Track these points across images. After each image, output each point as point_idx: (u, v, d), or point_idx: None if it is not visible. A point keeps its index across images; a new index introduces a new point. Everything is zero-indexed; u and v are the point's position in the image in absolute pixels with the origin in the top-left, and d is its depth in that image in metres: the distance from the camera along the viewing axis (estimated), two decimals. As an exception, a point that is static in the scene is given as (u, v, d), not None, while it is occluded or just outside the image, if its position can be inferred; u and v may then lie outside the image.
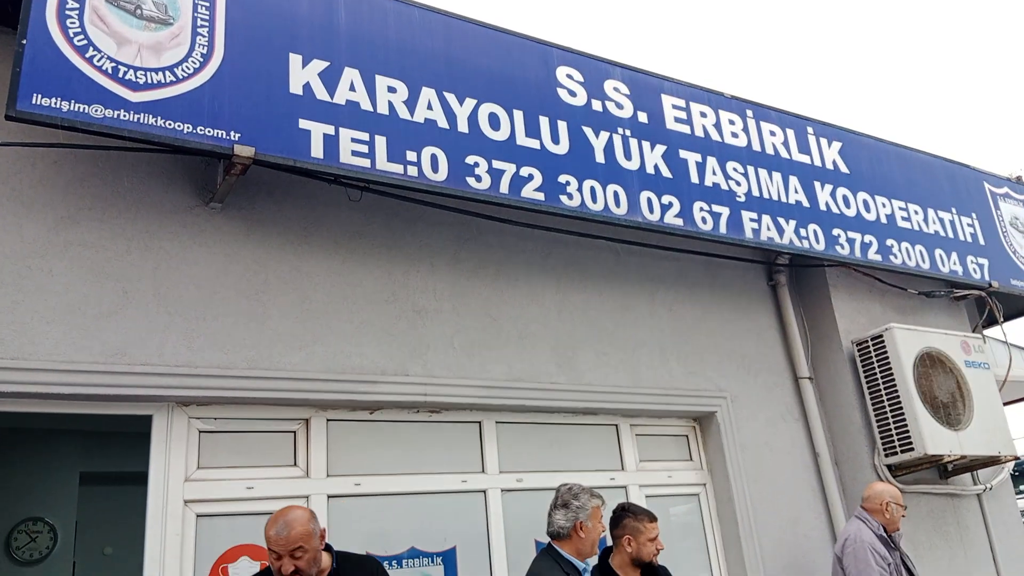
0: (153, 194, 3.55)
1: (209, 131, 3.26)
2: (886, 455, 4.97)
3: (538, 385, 4.26)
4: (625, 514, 3.65)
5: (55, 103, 2.97)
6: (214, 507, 3.26)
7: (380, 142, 3.66)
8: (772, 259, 5.42)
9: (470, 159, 3.88)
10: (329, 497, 3.61)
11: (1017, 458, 5.33)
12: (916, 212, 5.75)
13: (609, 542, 3.76)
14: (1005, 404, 5.65)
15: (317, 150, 3.48)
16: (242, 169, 3.37)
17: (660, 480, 4.70)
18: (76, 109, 3.00)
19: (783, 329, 5.43)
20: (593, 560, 3.55)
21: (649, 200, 4.42)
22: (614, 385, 4.53)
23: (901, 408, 4.88)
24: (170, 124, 3.18)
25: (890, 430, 4.94)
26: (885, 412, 4.98)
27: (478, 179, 3.87)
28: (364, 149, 3.60)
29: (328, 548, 2.93)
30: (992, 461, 5.19)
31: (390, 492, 3.80)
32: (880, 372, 5.04)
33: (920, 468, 5.05)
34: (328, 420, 3.76)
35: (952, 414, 4.99)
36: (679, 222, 4.50)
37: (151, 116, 3.15)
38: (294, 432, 3.69)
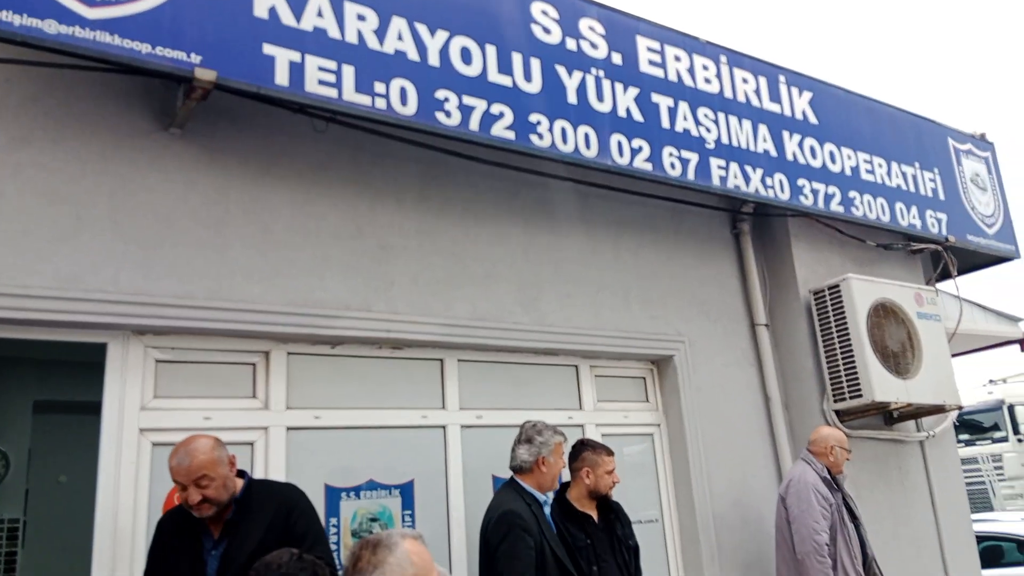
0: (109, 116, 3.43)
1: (169, 52, 3.13)
2: (835, 401, 5.12)
3: (501, 325, 4.28)
4: (584, 448, 3.82)
5: (6, 17, 2.82)
6: (170, 436, 3.24)
7: (348, 72, 3.55)
8: (737, 207, 5.46)
9: (440, 94, 3.80)
10: (288, 429, 3.62)
11: (961, 408, 5.53)
12: (880, 165, 5.80)
13: (567, 476, 3.87)
14: (952, 356, 5.84)
15: (282, 77, 3.37)
16: (203, 94, 3.26)
17: (616, 420, 4.80)
18: (29, 24, 2.85)
19: (743, 277, 5.51)
20: (552, 494, 3.66)
21: (619, 143, 4.39)
22: (576, 327, 4.57)
23: (853, 356, 5.02)
24: (128, 43, 3.04)
25: (840, 377, 5.09)
26: (837, 360, 5.12)
27: (448, 115, 3.80)
28: (331, 78, 3.50)
29: (242, 475, 2.90)
30: (937, 409, 5.39)
31: (350, 426, 3.82)
32: (835, 321, 5.16)
33: (867, 414, 5.23)
34: (289, 353, 3.74)
35: (901, 363, 5.14)
36: (648, 167, 4.48)
37: (108, 34, 3.01)
38: (253, 364, 3.67)
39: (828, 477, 4.45)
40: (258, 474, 3.48)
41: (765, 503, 5.08)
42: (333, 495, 3.70)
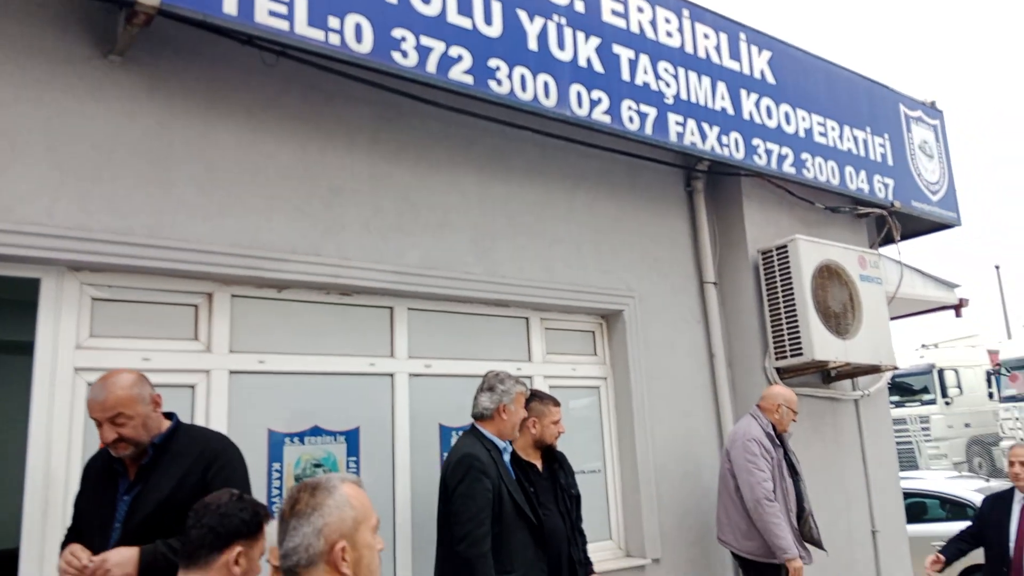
0: (46, 40, 3.23)
1: (107, -27, 2.95)
2: (777, 359, 5.24)
3: (453, 274, 4.24)
4: (531, 398, 3.86)
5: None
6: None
7: (300, 4, 3.40)
8: (692, 165, 5.47)
9: (397, 32, 3.67)
10: (231, 373, 3.54)
11: (896, 368, 5.71)
12: (833, 128, 5.86)
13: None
14: (891, 319, 6.01)
15: (230, 6, 3.21)
16: (145, 19, 3.08)
17: (564, 372, 4.83)
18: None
19: (695, 235, 5.55)
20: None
21: (579, 94, 4.33)
22: (528, 279, 4.56)
23: (796, 315, 5.13)
24: (62, -40, 2.85)
25: (783, 335, 5.20)
26: (781, 319, 5.23)
27: (404, 55, 3.68)
28: (282, 10, 3.35)
29: (171, 417, 2.72)
30: (873, 369, 5.56)
31: (295, 371, 3.76)
32: (780, 281, 5.25)
33: (806, 372, 5.36)
34: (233, 296, 3.64)
35: (842, 323, 5.27)
36: (607, 119, 4.44)
37: (39, -52, 2.82)
38: (196, 306, 3.57)
39: (772, 433, 4.57)
40: (199, 419, 3.42)
41: (705, 455, 5.21)
42: (276, 440, 3.65)
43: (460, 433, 4.26)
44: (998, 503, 4.48)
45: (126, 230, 3.28)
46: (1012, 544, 4.30)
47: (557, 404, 3.91)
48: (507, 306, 4.61)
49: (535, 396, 3.91)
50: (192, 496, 2.33)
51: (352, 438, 3.90)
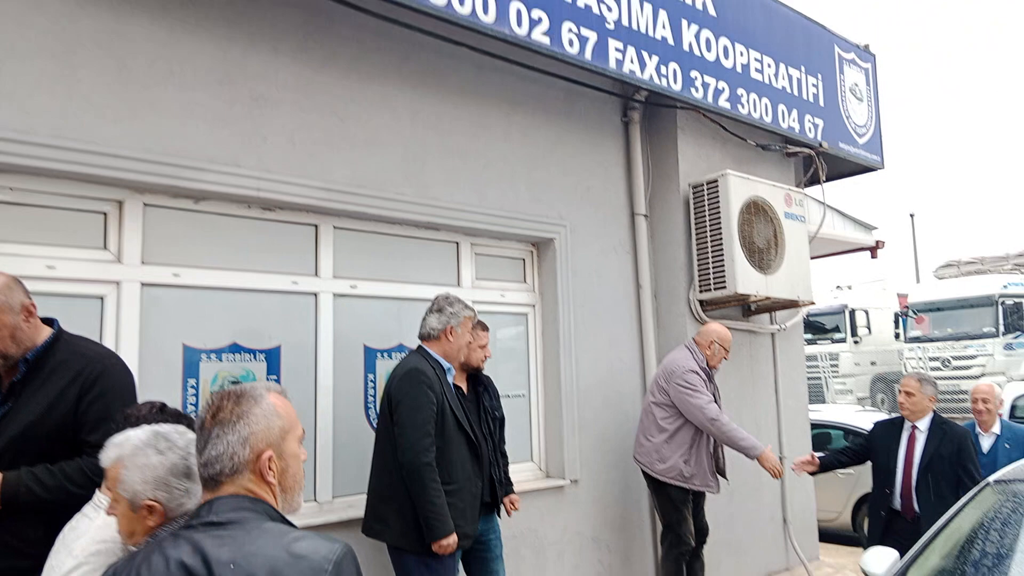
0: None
1: None
2: (701, 291, 5.35)
3: (382, 194, 4.12)
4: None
5: None
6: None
7: None
8: (629, 94, 5.42)
9: (326, -69, 3.45)
10: (143, 285, 3.39)
11: (813, 304, 5.90)
12: (769, 65, 5.87)
13: None
14: (810, 259, 6.18)
15: None
16: None
17: (493, 298, 4.82)
18: None
19: (628, 166, 5.54)
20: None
21: (519, 12, 4.19)
22: (460, 203, 4.48)
23: (722, 249, 5.22)
24: None
25: (708, 269, 5.29)
26: (707, 252, 5.31)
27: (334, -44, 3.47)
28: None
29: (52, 324, 2.49)
30: (791, 304, 5.74)
31: (213, 286, 3.62)
32: (709, 215, 5.31)
33: (728, 305, 5.50)
34: (145, 204, 3.46)
35: (765, 259, 5.39)
36: (546, 40, 4.32)
37: None
38: (105, 213, 3.37)
39: (705, 368, 4.69)
40: (108, 331, 3.27)
41: (628, 383, 5.32)
42: (192, 356, 3.54)
43: (384, 355, 4.26)
44: (888, 429, 4.67)
45: (28, 128, 3.04)
46: (900, 469, 4.51)
47: (485, 329, 3.94)
48: (437, 229, 4.53)
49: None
50: (63, 423, 2.20)
51: (273, 357, 3.82)
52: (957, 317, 16.93)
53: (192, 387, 3.52)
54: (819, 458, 4.80)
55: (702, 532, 4.81)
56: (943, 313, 17.22)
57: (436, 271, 4.57)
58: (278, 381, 3.82)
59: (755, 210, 5.40)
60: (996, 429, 5.15)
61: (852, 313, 18.60)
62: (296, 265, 3.94)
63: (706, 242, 5.33)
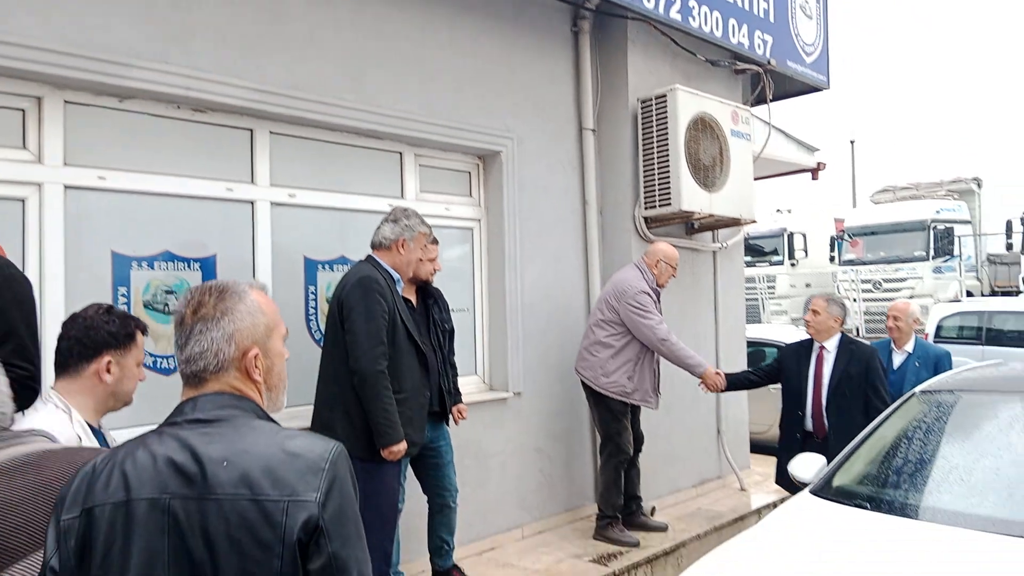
0: None
1: None
2: (646, 208, 5.35)
3: (322, 98, 3.95)
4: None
5: None
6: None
7: None
8: (580, 2, 5.26)
9: None
10: (67, 188, 3.20)
11: (755, 222, 5.98)
12: (721, -23, 5.76)
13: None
14: (756, 179, 6.22)
15: None
16: None
17: (438, 212, 4.73)
18: None
19: (578, 78, 5.43)
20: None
21: (463, -94, 3.98)
22: (405, 111, 4.33)
23: (668, 166, 5.20)
24: None
25: (654, 185, 5.29)
26: (653, 168, 5.29)
27: None
28: None
29: None
30: (733, 223, 5.80)
31: (143, 191, 3.45)
32: (657, 130, 5.27)
33: (672, 223, 5.53)
34: (67, 102, 3.24)
35: (710, 177, 5.41)
36: (492, -61, 4.13)
37: None
38: (23, 110, 3.15)
39: (654, 287, 4.73)
40: (31, 236, 3.11)
41: (572, 298, 5.36)
42: (122, 263, 3.40)
43: (326, 267, 4.18)
44: (798, 351, 4.67)
45: (-72, 13, 2.80)
46: (810, 390, 4.55)
47: (435, 243, 3.89)
48: (380, 138, 4.39)
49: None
50: None
51: (208, 266, 3.69)
52: (890, 241, 17.47)
53: (123, 296, 3.39)
54: (727, 376, 4.87)
55: (638, 441, 4.96)
56: (877, 237, 17.75)
57: (379, 182, 4.45)
58: (215, 291, 3.71)
59: (702, 127, 5.38)
60: (909, 347, 5.17)
61: (790, 236, 19.05)
62: (231, 171, 3.78)
63: (653, 158, 5.30)
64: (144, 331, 2.10)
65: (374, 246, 3.59)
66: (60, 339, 1.99)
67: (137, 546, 1.23)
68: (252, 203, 3.85)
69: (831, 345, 4.55)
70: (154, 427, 1.37)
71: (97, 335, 1.97)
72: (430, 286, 3.95)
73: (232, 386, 1.37)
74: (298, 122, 3.97)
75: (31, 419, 1.85)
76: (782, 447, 4.71)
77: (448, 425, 4.01)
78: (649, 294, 4.68)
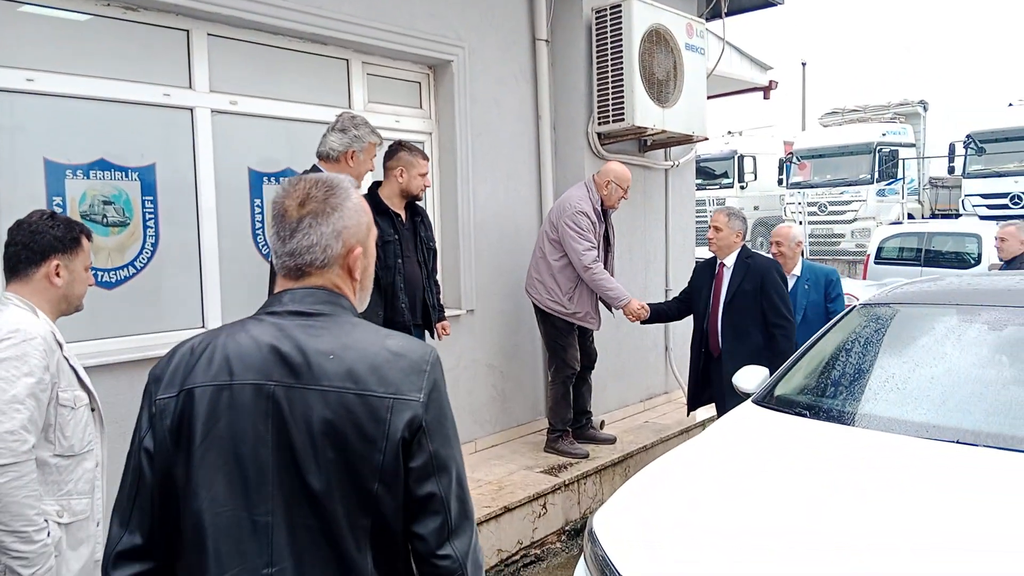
0: None
1: None
2: (599, 123, 5.29)
3: (261, -1, 3.75)
4: (401, 148, 3.81)
5: None
6: None
7: None
8: (533, -95, 5.05)
9: None
10: (-8, 90, 3.02)
11: (707, 139, 5.97)
12: None
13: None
14: (708, 98, 6.17)
15: None
16: None
17: (387, 124, 4.60)
18: None
19: (530, -15, 5.26)
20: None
21: None
22: (349, 14, 4.15)
23: (622, 80, 5.12)
24: None
25: (608, 100, 5.21)
26: (607, 82, 5.21)
27: None
28: None
29: None
30: (685, 140, 5.78)
31: (72, 94, 3.27)
32: (611, 42, 5.17)
33: (625, 139, 5.49)
34: (-14, -4, 3.02)
35: (664, 92, 5.35)
36: None
37: None
38: (-65, 3, 2.93)
39: (599, 208, 4.68)
40: (-47, 140, 2.94)
41: (524, 216, 5.33)
42: (55, 171, 3.24)
43: (271, 179, 4.06)
44: (703, 270, 4.58)
45: None
46: (709, 308, 4.45)
47: (426, 158, 3.87)
48: (324, 43, 4.21)
49: (404, 146, 3.82)
50: None
51: (147, 175, 3.55)
52: (836, 164, 17.73)
53: (58, 206, 3.25)
54: (651, 306, 4.74)
55: (590, 357, 5.03)
56: (824, 160, 17.99)
57: (325, 91, 4.30)
58: (155, 202, 3.59)
59: (657, 39, 5.28)
60: (796, 271, 4.88)
61: (740, 159, 19.19)
62: (167, 75, 3.60)
63: (607, 71, 5.21)
64: (89, 236, 2.12)
65: (320, 156, 3.37)
66: (7, 245, 2.01)
67: (240, 429, 1.22)
68: (191, 110, 3.68)
69: (730, 261, 4.39)
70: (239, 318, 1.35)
71: (43, 240, 1.99)
72: (418, 204, 3.90)
73: (333, 283, 1.35)
74: (236, 23, 3.77)
75: None
76: (690, 369, 4.68)
77: (433, 339, 4.04)
78: (588, 215, 4.60)
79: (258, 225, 4.02)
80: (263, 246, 4.03)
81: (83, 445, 1.99)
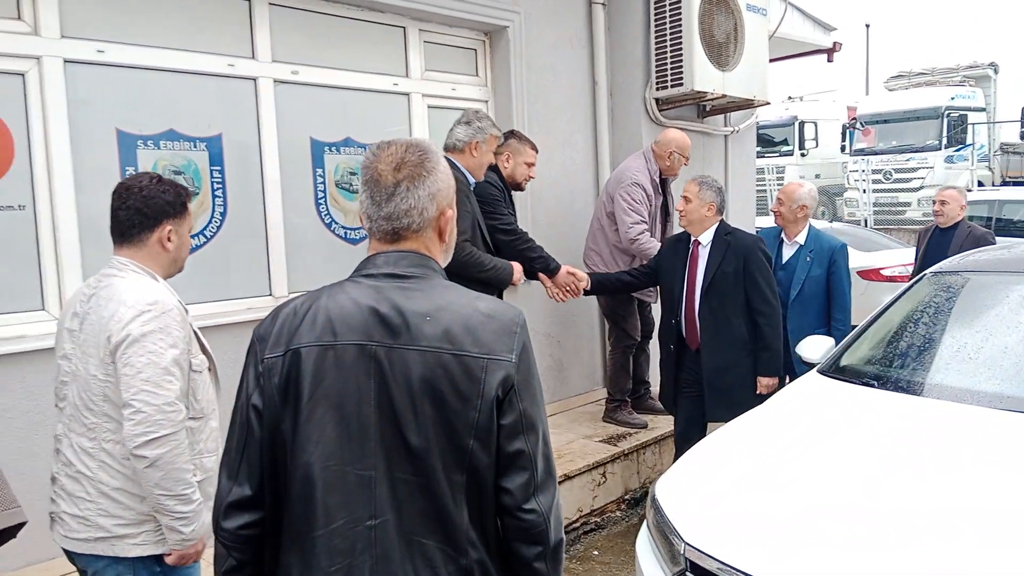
0: None
1: None
2: (657, 88, 5.20)
3: (320, -33, 3.78)
4: (512, 136, 3.96)
5: None
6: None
7: None
8: None
9: None
10: (66, 62, 3.11)
11: (768, 103, 5.82)
12: None
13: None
14: (770, 62, 6.00)
15: None
16: None
17: (444, 92, 4.62)
18: None
19: (588, -53, 5.17)
20: None
21: None
22: (406, -20, 4.15)
23: (681, 43, 5.01)
24: None
25: (666, 65, 5.11)
26: (665, 46, 5.10)
27: None
28: None
29: None
30: (746, 104, 5.64)
31: (141, 65, 3.35)
32: (669, 4, 5.05)
33: (683, 104, 5.39)
34: (58, -31, 3.10)
35: (724, 55, 5.22)
36: None
37: None
38: (12, -21, 3.02)
39: (657, 180, 4.61)
40: (34, 112, 3.06)
41: (580, 183, 5.29)
42: (127, 142, 3.34)
43: (332, 149, 4.11)
44: (674, 247, 3.85)
45: None
46: (684, 293, 3.76)
47: (535, 149, 3.95)
48: (382, 11, 4.22)
49: (515, 134, 3.98)
50: None
51: (214, 145, 3.63)
52: (902, 129, 17.09)
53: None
54: (590, 276, 4.10)
55: (648, 327, 4.99)
56: (889, 125, 17.35)
57: (382, 58, 4.32)
58: (222, 172, 3.67)
59: (716, 0, 5.15)
60: (800, 239, 4.20)
61: (802, 125, 18.65)
62: (232, 45, 3.66)
63: (665, 35, 5.10)
64: (191, 199, 2.14)
65: (447, 148, 3.52)
66: (117, 210, 1.98)
67: (345, 387, 1.27)
68: (255, 80, 3.74)
69: (705, 239, 3.67)
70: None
71: (156, 204, 1.98)
72: (522, 189, 4.07)
73: (425, 245, 1.39)
74: (296, -7, 3.81)
75: (128, 289, 1.89)
76: (663, 365, 3.97)
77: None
78: (643, 187, 4.52)
79: (320, 194, 4.09)
80: (325, 215, 4.10)
81: (209, 406, 2.06)
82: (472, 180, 3.54)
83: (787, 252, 4.26)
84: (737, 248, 3.63)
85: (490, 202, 3.89)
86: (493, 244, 3.80)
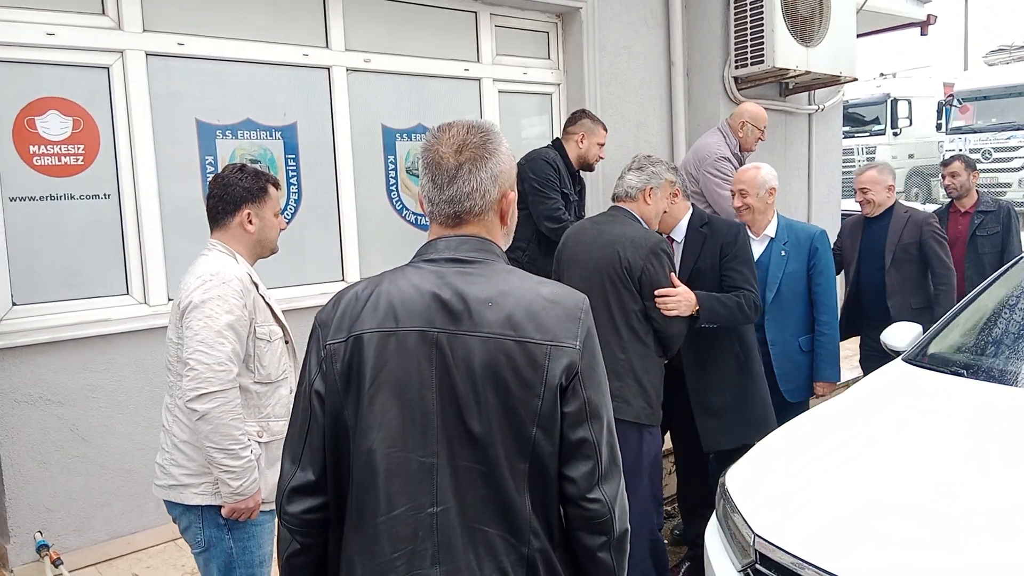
0: None
1: None
2: (736, 66, 5.03)
3: (391, -45, 3.79)
4: (584, 115, 3.97)
5: None
6: (9, 52, 2.84)
7: None
8: None
9: None
10: (148, 55, 3.23)
11: (856, 79, 5.54)
12: None
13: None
14: (858, 36, 5.73)
15: None
16: None
17: (515, 76, 4.59)
18: None
19: (662, -77, 5.03)
20: None
21: None
22: (476, -34, 4.13)
23: (761, 19, 4.82)
24: None
25: (746, 41, 4.93)
26: (745, 22, 4.92)
27: None
28: None
29: None
30: (832, 81, 5.40)
31: (220, 57, 3.45)
32: (751, -20, 4.87)
33: (764, 82, 5.19)
34: (140, -34, 3.21)
35: (807, 30, 5.00)
36: None
37: None
38: (98, -25, 3.14)
39: (738, 152, 4.45)
40: (118, 105, 3.18)
41: (655, 167, 5.16)
42: (207, 132, 3.44)
43: (403, 136, 4.13)
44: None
45: None
46: None
47: (606, 129, 4.01)
48: (453, -3, 4.22)
49: (586, 114, 3.98)
50: None
51: (289, 134, 3.71)
52: (1003, 106, 16.07)
53: (210, 165, 3.46)
54: None
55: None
56: (989, 102, 16.34)
57: (454, 44, 4.31)
58: (296, 160, 3.75)
59: (801, -27, 4.93)
60: (770, 231, 3.52)
61: (894, 103, 17.75)
62: (306, 35, 3.72)
63: (745, 11, 4.92)
64: (276, 185, 2.26)
65: (616, 197, 3.02)
66: (207, 198, 2.20)
67: (407, 374, 1.26)
68: (328, 69, 3.80)
69: (679, 235, 3.19)
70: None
71: (234, 191, 2.15)
72: (592, 169, 4.08)
73: (486, 229, 1.37)
74: (369, -19, 3.84)
75: (203, 264, 2.09)
76: None
77: None
78: (730, 160, 4.39)
79: (391, 181, 4.13)
80: (396, 201, 4.14)
81: (279, 373, 2.18)
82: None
83: (756, 249, 3.46)
84: (715, 240, 3.09)
85: (541, 181, 3.69)
86: (538, 231, 3.71)
